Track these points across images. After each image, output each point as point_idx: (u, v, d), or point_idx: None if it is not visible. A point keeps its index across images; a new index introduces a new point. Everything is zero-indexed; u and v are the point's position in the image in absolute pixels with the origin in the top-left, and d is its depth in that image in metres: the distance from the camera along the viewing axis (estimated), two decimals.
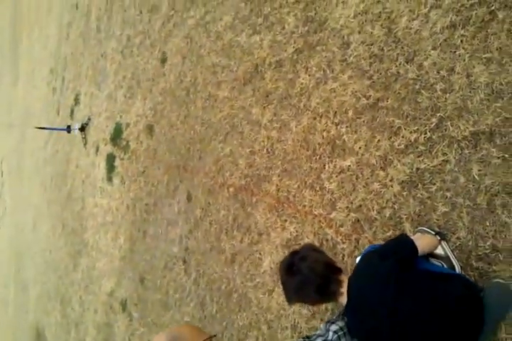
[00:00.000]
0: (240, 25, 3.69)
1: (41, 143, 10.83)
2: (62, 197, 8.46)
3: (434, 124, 2.12)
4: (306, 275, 1.73)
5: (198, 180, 4.05)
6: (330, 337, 1.67)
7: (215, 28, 4.04)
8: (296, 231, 2.88)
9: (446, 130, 2.07)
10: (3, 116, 17.37)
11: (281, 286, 1.84)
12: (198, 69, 4.26)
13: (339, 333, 1.69)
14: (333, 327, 1.72)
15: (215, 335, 1.63)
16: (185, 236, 4.15)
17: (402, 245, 1.84)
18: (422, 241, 1.91)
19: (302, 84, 2.95)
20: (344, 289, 1.78)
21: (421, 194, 2.16)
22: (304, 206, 2.83)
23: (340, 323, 1.74)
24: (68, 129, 7.59)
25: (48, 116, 10.33)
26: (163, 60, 4.99)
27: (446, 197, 2.04)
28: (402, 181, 2.25)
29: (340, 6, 2.72)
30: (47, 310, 9.00)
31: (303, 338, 1.65)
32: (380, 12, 2.45)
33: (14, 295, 12.59)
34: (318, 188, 2.74)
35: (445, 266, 1.98)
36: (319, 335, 1.68)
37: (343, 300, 1.78)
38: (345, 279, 1.80)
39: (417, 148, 2.19)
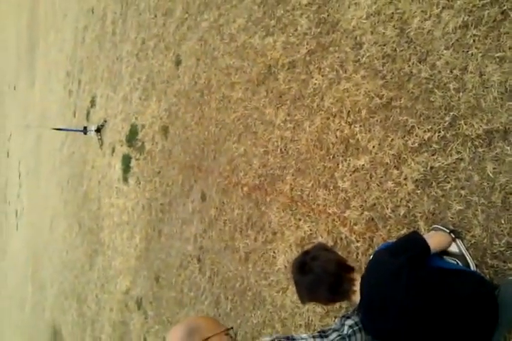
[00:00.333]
0: (253, 28, 3.74)
1: (58, 145, 11.00)
2: (79, 197, 8.58)
3: (447, 123, 2.14)
4: (318, 274, 1.74)
5: (212, 179, 4.09)
6: (345, 332, 1.69)
7: (229, 31, 4.08)
8: (310, 230, 2.91)
9: (459, 128, 2.08)
10: (20, 119, 17.65)
11: (294, 285, 1.86)
12: (212, 71, 4.31)
13: (354, 328, 1.71)
14: (348, 322, 1.74)
15: (232, 327, 1.66)
16: (200, 235, 4.20)
17: (414, 243, 1.86)
18: (434, 239, 1.93)
19: (315, 84, 2.98)
20: (357, 287, 1.79)
21: (435, 192, 2.17)
22: (318, 205, 2.86)
23: (356, 318, 1.76)
24: (85, 130, 7.71)
25: (64, 118, 10.49)
26: (178, 63, 5.05)
27: (461, 196, 2.06)
28: (416, 180, 2.26)
29: (352, 7, 2.75)
30: (63, 309, 9.14)
31: (318, 332, 1.67)
32: (392, 13, 2.48)
33: (32, 294, 12.78)
34: (331, 187, 2.77)
35: (460, 264, 1.99)
36: (334, 330, 1.70)
37: (356, 298, 1.80)
38: (357, 277, 1.81)
39: (431, 146, 2.21)
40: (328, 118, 2.85)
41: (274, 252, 3.23)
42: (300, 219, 3.01)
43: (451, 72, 2.14)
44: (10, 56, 22.96)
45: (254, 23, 3.70)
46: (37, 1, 16.37)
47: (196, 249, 4.27)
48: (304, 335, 1.62)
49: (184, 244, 4.49)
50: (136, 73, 6.23)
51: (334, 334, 1.65)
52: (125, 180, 6.25)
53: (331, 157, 2.80)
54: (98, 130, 7.47)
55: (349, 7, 2.75)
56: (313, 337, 1.62)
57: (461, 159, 2.07)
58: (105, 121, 7.40)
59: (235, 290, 3.62)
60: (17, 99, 19.56)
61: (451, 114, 2.12)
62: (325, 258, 1.80)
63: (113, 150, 6.88)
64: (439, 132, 2.17)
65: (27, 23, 18.62)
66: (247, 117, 3.68)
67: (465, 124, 2.06)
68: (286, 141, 3.21)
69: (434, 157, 2.19)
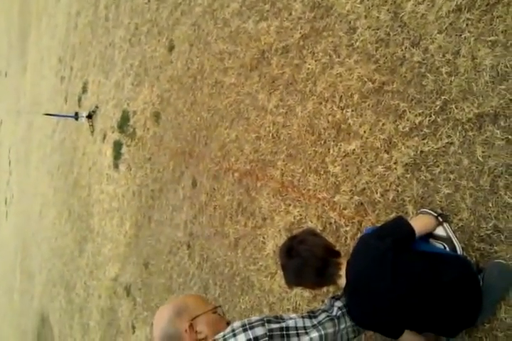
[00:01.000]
0: (247, 12, 3.71)
1: (49, 132, 10.91)
2: (69, 184, 8.53)
3: (438, 107, 2.14)
4: (305, 258, 1.74)
5: (203, 165, 4.08)
6: (334, 313, 1.69)
7: (223, 15, 4.05)
8: (300, 215, 2.91)
9: (450, 112, 2.08)
10: (11, 106, 17.47)
11: (281, 270, 1.86)
12: (205, 56, 4.28)
13: (343, 310, 1.71)
14: (338, 303, 1.74)
15: (219, 306, 1.66)
16: (190, 222, 4.19)
17: (398, 226, 1.87)
18: (419, 222, 1.93)
19: (308, 69, 2.97)
20: (343, 272, 1.79)
21: (424, 176, 2.18)
22: (308, 190, 2.86)
23: (345, 300, 1.76)
24: (76, 116, 7.64)
25: (55, 104, 10.40)
26: (171, 48, 5.01)
27: (450, 179, 2.06)
28: (406, 164, 2.27)
29: None
30: (52, 296, 9.12)
31: (307, 312, 1.67)
32: None
33: (20, 282, 12.74)
34: (322, 172, 2.77)
35: (447, 247, 2.00)
36: (324, 310, 1.70)
37: (343, 282, 1.80)
38: (344, 262, 1.82)
39: (422, 130, 2.21)
40: (320, 103, 2.84)
41: (263, 237, 3.23)
42: (290, 205, 3.01)
43: (444, 56, 2.13)
44: (1, 43, 22.66)
45: (248, 8, 3.67)
46: None
47: (186, 235, 4.26)
48: (292, 315, 1.62)
49: (174, 231, 4.48)
50: (129, 59, 6.17)
51: (323, 315, 1.65)
52: (116, 166, 6.22)
53: (322, 142, 2.80)
54: (89, 116, 7.41)
55: None
56: (303, 317, 1.62)
57: (451, 143, 2.07)
58: (97, 107, 7.34)
59: (224, 275, 3.62)
60: (8, 86, 19.35)
61: (443, 98, 2.12)
62: (312, 242, 1.80)
63: (104, 137, 6.83)
64: (430, 116, 2.17)
65: (18, 9, 18.38)
66: (240, 103, 3.66)
67: (456, 108, 2.06)
68: (278, 126, 3.20)
69: (425, 141, 2.19)
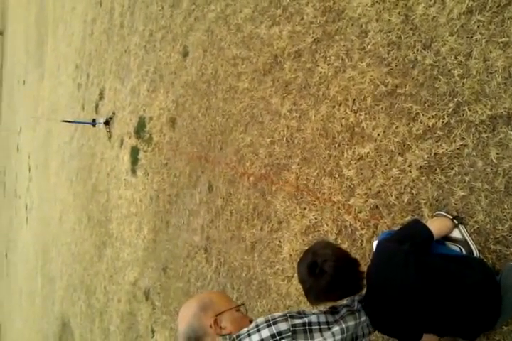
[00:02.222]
0: (259, 17, 3.74)
1: (67, 138, 11.08)
2: (88, 190, 8.65)
3: (451, 109, 2.14)
4: (333, 276, 1.65)
5: (219, 170, 4.12)
6: (355, 307, 1.69)
7: (235, 21, 4.09)
8: (315, 219, 2.93)
9: (464, 114, 2.08)
10: (29, 113, 17.78)
11: (303, 288, 1.74)
12: (219, 62, 4.32)
13: (363, 303, 1.72)
14: (358, 297, 1.75)
15: (243, 304, 1.68)
16: (207, 226, 4.23)
17: (416, 229, 1.86)
18: (435, 225, 1.93)
19: (321, 73, 2.99)
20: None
21: (439, 179, 2.18)
22: (323, 193, 2.87)
23: (365, 307, 1.76)
24: (93, 123, 7.75)
25: (73, 111, 10.56)
26: (185, 54, 5.06)
27: (465, 181, 2.06)
28: (421, 166, 2.27)
29: None
30: (72, 301, 9.24)
31: (330, 308, 1.68)
32: (397, 0, 2.47)
33: (41, 287, 12.93)
34: (337, 175, 2.78)
35: (463, 249, 2.00)
36: (345, 305, 1.70)
37: (363, 290, 1.78)
38: (365, 269, 1.78)
39: (435, 133, 2.21)
40: (333, 107, 2.85)
41: (279, 241, 3.25)
42: (305, 208, 3.03)
43: (456, 58, 2.13)
44: (19, 51, 23.10)
45: (260, 13, 3.70)
46: None
47: (203, 240, 4.30)
48: (315, 310, 1.63)
49: (191, 235, 4.53)
50: (144, 65, 6.25)
51: (344, 309, 1.65)
52: (133, 171, 6.29)
53: (337, 145, 2.81)
54: (107, 122, 7.52)
55: None
56: (325, 312, 1.62)
57: (465, 145, 2.07)
58: (113, 114, 7.44)
59: (241, 279, 3.65)
60: (26, 93, 19.70)
61: (456, 100, 2.12)
62: (334, 257, 1.70)
63: (121, 143, 6.92)
64: (444, 118, 2.17)
65: (35, 18, 18.72)
66: (254, 107, 3.69)
67: (469, 110, 2.06)
68: (292, 130, 3.22)
69: (438, 143, 2.19)
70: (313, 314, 1.57)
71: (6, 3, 32.16)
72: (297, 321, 1.51)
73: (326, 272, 1.64)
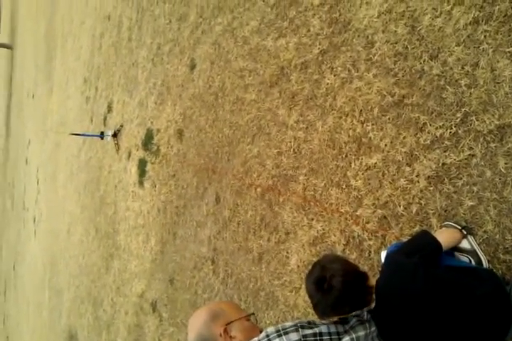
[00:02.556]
0: (266, 30, 3.78)
1: (75, 151, 11.16)
2: (96, 202, 8.68)
3: (459, 119, 2.14)
4: (341, 291, 1.64)
5: (226, 181, 4.12)
6: (365, 317, 1.68)
7: (242, 33, 4.13)
8: (323, 229, 2.91)
9: (471, 124, 2.08)
10: (38, 126, 17.95)
11: (311, 303, 1.71)
12: (226, 74, 4.35)
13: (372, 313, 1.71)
14: (367, 308, 1.73)
15: (253, 313, 1.66)
16: (214, 237, 4.22)
17: (425, 241, 1.84)
18: (444, 236, 1.92)
19: (328, 84, 3.00)
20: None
21: (447, 189, 2.17)
22: (331, 204, 2.86)
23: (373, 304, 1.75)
24: (101, 135, 7.81)
25: (81, 124, 10.65)
26: (192, 67, 5.11)
27: (473, 192, 2.05)
28: (429, 176, 2.26)
29: (364, 6, 2.77)
30: (80, 313, 9.21)
31: (340, 318, 1.66)
32: (403, 11, 2.49)
33: (49, 299, 12.91)
34: (344, 186, 2.77)
35: (472, 260, 1.98)
36: (355, 315, 1.68)
37: (372, 303, 1.77)
38: (373, 282, 1.76)
39: (443, 143, 2.21)
40: (340, 118, 2.86)
41: (287, 252, 3.24)
42: (313, 219, 3.02)
43: (463, 68, 2.14)
44: (28, 65, 23.41)
45: (267, 26, 3.74)
46: (55, 10, 16.73)
47: (210, 251, 4.29)
48: (324, 321, 1.62)
49: (198, 246, 4.52)
50: (152, 78, 6.32)
51: (354, 319, 1.64)
52: (141, 183, 6.32)
53: (344, 156, 2.81)
54: (115, 135, 7.57)
55: (360, 6, 2.78)
56: (334, 322, 1.61)
57: (473, 155, 2.06)
58: (121, 126, 7.50)
59: (249, 290, 3.63)
60: (35, 107, 19.92)
61: (463, 110, 2.12)
62: (342, 271, 1.69)
63: (129, 155, 6.96)
64: (451, 128, 2.17)
65: (45, 33, 19.00)
66: (261, 119, 3.71)
67: (477, 120, 2.06)
68: (299, 141, 3.23)
69: (446, 153, 2.19)
70: (324, 324, 1.56)
71: (16, 18, 32.73)
72: (308, 331, 1.50)
73: (334, 287, 1.62)
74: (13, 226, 24.73)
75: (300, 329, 1.49)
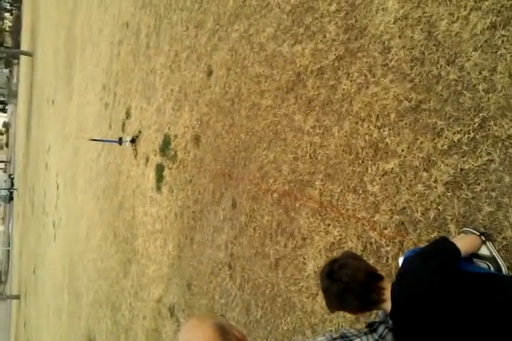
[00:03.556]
0: (282, 36, 3.80)
1: (94, 156, 11.31)
2: (114, 207, 8.78)
3: (477, 124, 2.12)
4: (346, 282, 1.70)
5: (242, 187, 4.14)
6: (391, 325, 1.67)
7: (258, 40, 4.16)
8: (340, 235, 2.91)
9: (489, 129, 2.07)
10: (58, 132, 18.25)
11: (322, 294, 1.83)
12: (242, 80, 4.38)
13: None
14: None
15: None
16: (231, 242, 4.23)
17: (443, 247, 1.83)
18: (463, 242, 1.90)
19: (344, 89, 3.00)
20: (387, 296, 1.74)
21: (465, 194, 2.15)
22: (347, 209, 2.86)
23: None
24: (120, 141, 7.91)
25: (100, 130, 10.80)
26: (209, 73, 5.16)
27: (492, 197, 2.03)
28: (446, 182, 2.25)
29: (380, 12, 2.77)
30: (98, 317, 9.30)
31: (367, 327, 1.66)
32: (419, 16, 2.49)
33: (68, 304, 13.06)
34: (361, 191, 2.77)
35: (491, 266, 1.96)
36: (381, 322, 1.68)
37: (387, 306, 1.76)
38: (387, 286, 1.77)
39: (461, 148, 2.19)
40: (356, 123, 2.86)
41: (303, 258, 3.23)
42: (329, 225, 3.02)
43: (480, 73, 2.13)
44: (48, 72, 23.84)
45: (283, 32, 3.76)
46: (74, 18, 17.02)
47: (227, 256, 4.30)
48: (353, 331, 1.63)
49: (215, 251, 4.54)
50: (169, 84, 6.38)
51: (382, 327, 1.64)
52: (158, 188, 6.37)
53: (360, 161, 2.81)
54: (133, 141, 7.66)
55: (377, 12, 2.78)
56: (365, 333, 1.63)
57: (492, 160, 2.04)
58: (139, 132, 7.58)
59: (265, 296, 3.63)
60: (55, 113, 20.25)
61: (481, 115, 2.11)
62: (353, 266, 1.76)
63: (147, 160, 7.03)
64: (469, 134, 2.15)
65: (64, 41, 19.34)
66: (277, 124, 3.72)
67: (495, 125, 2.04)
68: (315, 146, 3.23)
69: (464, 159, 2.17)
70: (356, 336, 1.56)
71: (37, 27, 33.39)
72: None
73: (339, 279, 1.71)
74: (33, 230, 25.13)
75: None
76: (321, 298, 2.98)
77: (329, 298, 1.78)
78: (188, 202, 5.32)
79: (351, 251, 2.61)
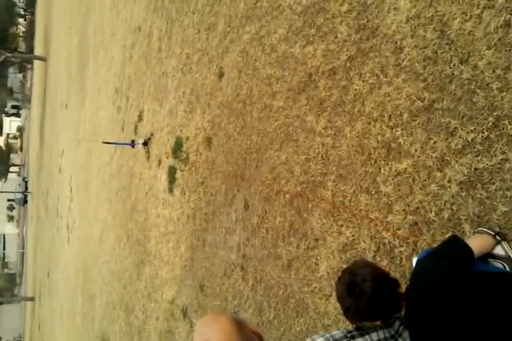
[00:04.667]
0: (293, 37, 3.80)
1: (107, 159, 11.40)
2: (127, 209, 8.83)
3: (491, 123, 2.11)
4: (371, 296, 1.64)
5: (254, 188, 4.14)
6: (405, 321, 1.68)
7: (270, 42, 4.17)
8: (353, 236, 2.90)
9: (504, 128, 2.05)
10: (72, 135, 18.42)
11: (342, 308, 1.73)
12: (254, 82, 4.39)
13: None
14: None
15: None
16: (243, 244, 4.24)
17: (455, 247, 1.81)
18: (476, 242, 1.88)
19: (356, 90, 3.00)
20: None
21: (480, 194, 2.13)
22: (360, 210, 2.84)
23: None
24: (132, 144, 7.97)
25: (113, 133, 10.88)
26: (221, 75, 5.18)
27: (507, 197, 2.01)
28: (461, 182, 2.23)
29: (392, 12, 2.76)
30: (112, 319, 9.35)
31: (382, 322, 1.66)
32: (432, 15, 2.48)
33: (82, 305, 13.15)
34: (374, 192, 2.76)
35: (506, 266, 1.94)
36: (396, 317, 1.68)
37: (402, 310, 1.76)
38: (403, 289, 1.76)
39: (475, 147, 2.17)
40: (369, 123, 2.85)
41: (316, 259, 3.23)
42: (342, 225, 3.01)
43: (494, 71, 2.11)
44: (61, 76, 24.10)
45: (294, 33, 3.77)
46: (87, 22, 17.20)
47: (239, 258, 4.31)
48: (368, 324, 1.63)
49: (228, 253, 4.54)
50: (181, 87, 6.42)
51: (398, 322, 1.64)
52: (171, 190, 6.40)
53: (373, 162, 2.80)
54: (145, 143, 7.71)
55: (388, 12, 2.77)
56: (381, 327, 1.62)
57: (506, 159, 2.03)
58: (152, 135, 7.63)
59: (278, 297, 3.62)
60: (68, 117, 20.46)
61: (495, 114, 2.09)
62: (373, 277, 1.69)
63: (159, 163, 7.07)
64: (483, 133, 2.14)
65: (77, 45, 19.55)
66: (289, 125, 3.72)
67: (509, 124, 2.02)
68: (327, 147, 3.23)
69: (478, 158, 2.15)
70: (372, 330, 1.55)
71: (50, 32, 33.80)
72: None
73: (365, 292, 1.63)
74: (47, 233, 25.37)
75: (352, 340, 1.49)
76: (333, 299, 2.97)
77: (354, 312, 1.69)
78: (201, 204, 5.34)
79: (363, 259, 2.60)
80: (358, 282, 1.66)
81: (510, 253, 1.92)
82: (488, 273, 1.78)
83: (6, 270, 58.66)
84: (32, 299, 33.84)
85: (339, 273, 1.76)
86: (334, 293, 2.68)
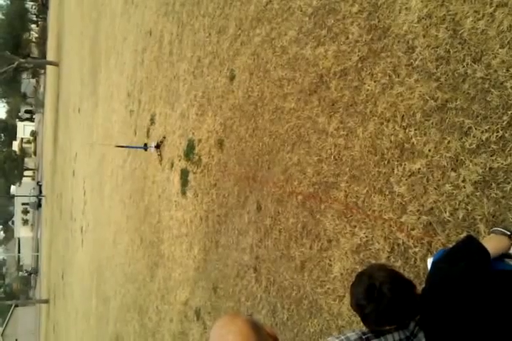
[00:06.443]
0: (304, 39, 3.81)
1: (120, 162, 11.48)
2: (140, 212, 8.89)
3: (505, 122, 2.09)
4: (392, 297, 1.62)
5: (267, 190, 4.15)
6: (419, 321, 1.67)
7: (281, 43, 4.18)
8: (366, 237, 2.89)
9: None
10: (85, 139, 18.60)
11: (360, 314, 1.68)
12: (265, 84, 4.40)
13: None
14: None
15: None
16: (256, 245, 4.24)
17: (470, 248, 1.78)
18: (492, 243, 1.86)
19: (368, 90, 2.99)
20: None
21: (495, 194, 2.12)
22: (374, 211, 2.84)
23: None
24: (145, 147, 8.03)
25: (126, 136, 10.97)
26: (232, 78, 5.20)
27: None
28: (475, 181, 2.21)
29: (403, 12, 2.76)
30: (126, 321, 9.40)
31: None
32: (444, 15, 2.47)
33: (96, 307, 13.25)
34: (387, 192, 2.75)
35: None
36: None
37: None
38: (419, 291, 1.74)
39: (489, 147, 2.16)
40: (381, 124, 2.84)
41: (329, 260, 3.22)
42: (355, 226, 3.00)
43: (508, 70, 2.10)
44: (74, 81, 24.34)
45: (305, 35, 3.77)
46: (98, 27, 17.37)
47: (252, 259, 4.31)
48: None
49: (240, 254, 4.55)
50: (193, 90, 6.45)
51: (412, 324, 1.63)
52: (183, 193, 6.43)
53: (386, 162, 2.79)
54: (158, 146, 7.77)
55: (400, 12, 2.77)
56: (396, 328, 1.61)
57: None
58: (164, 138, 7.68)
59: (291, 298, 3.62)
60: (81, 121, 20.65)
61: (510, 112, 2.07)
62: (390, 279, 1.67)
63: (172, 165, 7.11)
64: (498, 132, 2.12)
65: (89, 49, 19.74)
66: (300, 127, 3.73)
67: None
68: (339, 148, 3.23)
69: (493, 157, 2.14)
70: (388, 332, 1.54)
71: (62, 37, 34.18)
72: None
73: (384, 294, 1.60)
74: (61, 236, 25.60)
75: None
76: (347, 300, 2.96)
77: (376, 317, 1.65)
78: (213, 206, 5.35)
79: (378, 263, 2.58)
80: (376, 285, 1.63)
81: None
82: (505, 272, 1.76)
83: (20, 273, 59.28)
84: (46, 301, 34.17)
85: (354, 277, 1.74)
86: (349, 299, 2.67)
